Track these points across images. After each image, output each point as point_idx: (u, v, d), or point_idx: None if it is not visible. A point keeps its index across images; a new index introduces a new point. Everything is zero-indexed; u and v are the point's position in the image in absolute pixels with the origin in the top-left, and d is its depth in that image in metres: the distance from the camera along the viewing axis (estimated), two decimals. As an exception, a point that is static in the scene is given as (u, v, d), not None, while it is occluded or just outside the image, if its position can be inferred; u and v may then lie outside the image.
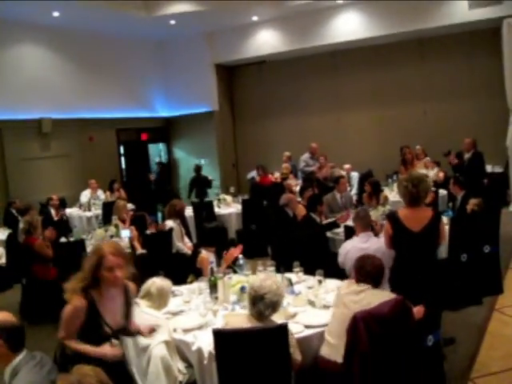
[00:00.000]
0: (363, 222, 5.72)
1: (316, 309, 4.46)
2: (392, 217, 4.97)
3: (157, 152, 17.95)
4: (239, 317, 3.91)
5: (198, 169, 14.40)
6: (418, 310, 3.90)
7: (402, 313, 3.68)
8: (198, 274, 5.66)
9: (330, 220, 7.94)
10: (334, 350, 3.84)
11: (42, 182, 13.48)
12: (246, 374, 3.63)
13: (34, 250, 7.42)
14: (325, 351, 3.93)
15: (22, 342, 3.26)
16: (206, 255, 5.55)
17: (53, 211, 11.26)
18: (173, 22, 14.63)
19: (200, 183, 14.06)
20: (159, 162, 16.94)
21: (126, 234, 8.01)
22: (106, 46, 15.43)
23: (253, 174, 13.55)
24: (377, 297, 3.85)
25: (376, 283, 4.04)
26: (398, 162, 12.28)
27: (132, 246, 7.50)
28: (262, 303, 3.67)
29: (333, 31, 14.52)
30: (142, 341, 3.89)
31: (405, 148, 12.12)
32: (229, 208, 10.89)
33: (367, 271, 4.04)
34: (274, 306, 3.73)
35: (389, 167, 12.76)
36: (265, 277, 3.86)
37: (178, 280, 5.39)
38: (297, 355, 3.69)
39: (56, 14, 12.81)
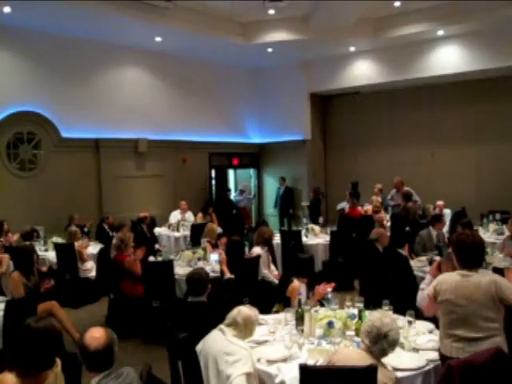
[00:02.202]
0: (452, 265, 5.43)
1: (405, 351, 4.27)
2: None
3: (247, 177, 18.11)
4: (355, 354, 3.74)
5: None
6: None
7: (498, 363, 3.47)
8: (283, 303, 5.58)
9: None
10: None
11: (134, 200, 13.88)
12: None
13: (123, 266, 7.59)
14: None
15: (107, 364, 3.27)
16: (298, 285, 5.45)
17: (145, 229, 11.52)
18: (270, 49, 14.81)
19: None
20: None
21: (214, 257, 8.04)
22: (204, 70, 15.82)
23: (343, 204, 13.38)
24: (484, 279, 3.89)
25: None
26: (493, 200, 11.80)
27: (220, 270, 7.54)
28: (385, 341, 3.57)
29: (431, 64, 14.25)
30: (225, 370, 3.84)
31: None
32: (316, 238, 10.77)
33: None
34: (396, 343, 3.66)
35: (484, 206, 12.29)
36: (382, 314, 3.78)
37: (263, 308, 5.33)
38: None
39: (159, 39, 13.27)
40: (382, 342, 3.57)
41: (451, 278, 4.13)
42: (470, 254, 4.15)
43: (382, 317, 3.69)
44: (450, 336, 4.03)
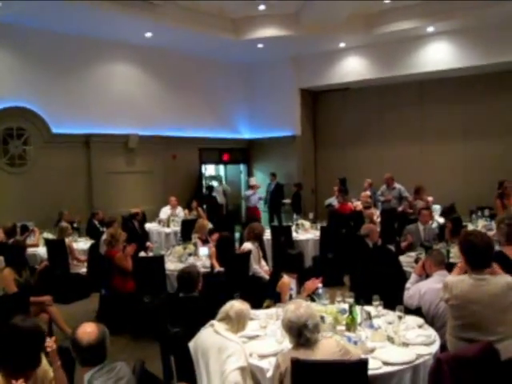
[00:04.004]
0: (436, 260, 5.44)
1: (395, 345, 4.32)
2: (500, 257, 4.77)
3: (237, 173, 18.12)
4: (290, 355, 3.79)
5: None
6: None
7: (488, 358, 3.52)
8: (273, 298, 5.61)
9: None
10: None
11: (125, 195, 13.88)
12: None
13: (114, 262, 7.59)
14: None
15: (99, 358, 3.31)
16: (288, 281, 5.49)
17: (137, 225, 11.53)
18: (260, 45, 14.83)
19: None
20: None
21: (204, 251, 8.09)
22: (194, 66, 15.82)
23: (331, 200, 13.42)
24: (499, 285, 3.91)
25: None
26: (482, 197, 11.87)
27: (211, 264, 7.59)
28: (307, 331, 3.61)
29: (421, 60, 14.36)
30: (219, 366, 3.88)
31: (506, 182, 11.33)
32: (306, 234, 10.81)
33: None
34: (318, 326, 3.69)
35: (473, 202, 12.38)
36: (294, 306, 3.77)
37: (253, 303, 5.36)
38: None
39: (149, 34, 13.25)
40: (304, 333, 3.61)
41: (463, 283, 4.12)
42: (479, 255, 4.13)
43: (295, 309, 3.69)
44: (461, 339, 4.07)
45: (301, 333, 3.63)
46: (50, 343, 3.53)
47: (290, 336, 3.74)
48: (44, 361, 3.51)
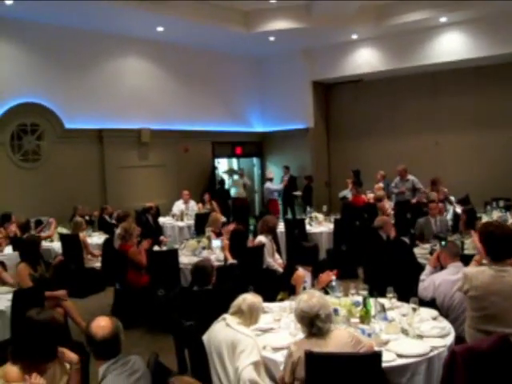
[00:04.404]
0: (451, 252, 5.42)
1: (409, 338, 4.30)
2: None
3: (250, 166, 18.11)
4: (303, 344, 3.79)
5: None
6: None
7: (503, 350, 3.49)
8: (288, 291, 5.61)
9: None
10: None
11: (138, 190, 13.93)
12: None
13: (128, 256, 7.61)
14: None
15: (113, 352, 3.33)
16: (302, 273, 5.49)
17: (151, 219, 11.57)
18: (272, 38, 14.78)
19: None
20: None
21: (217, 243, 8.11)
22: (206, 60, 15.82)
23: (345, 192, 13.37)
24: None
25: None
26: (497, 188, 11.76)
27: (224, 257, 7.61)
28: (319, 321, 3.63)
29: (434, 51, 14.25)
30: (232, 361, 3.89)
31: None
32: (320, 227, 10.79)
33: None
34: (330, 317, 3.72)
35: (487, 194, 12.28)
36: (307, 296, 3.79)
37: (267, 296, 5.36)
38: None
39: (160, 28, 13.26)
40: (316, 323, 3.63)
41: (484, 274, 4.09)
42: (500, 246, 4.09)
43: (308, 299, 3.72)
44: (480, 331, 4.05)
45: (313, 323, 3.65)
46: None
47: (302, 326, 3.77)
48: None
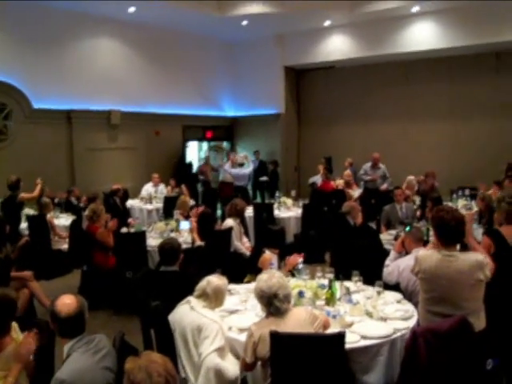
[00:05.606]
0: (415, 237, 5.50)
1: (373, 320, 4.37)
2: (495, 234, 4.82)
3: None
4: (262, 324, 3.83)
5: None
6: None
7: (462, 331, 3.58)
8: (255, 274, 5.64)
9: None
10: None
11: (107, 172, 13.79)
12: (298, 379, 3.61)
13: (95, 237, 7.57)
14: None
15: (78, 330, 3.34)
16: (269, 256, 5.52)
17: (118, 201, 11.50)
18: (245, 22, 14.72)
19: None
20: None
21: (185, 225, 8.12)
22: (178, 43, 15.69)
23: (315, 178, 13.43)
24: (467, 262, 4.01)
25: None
26: (465, 176, 11.90)
27: (192, 239, 7.64)
28: (277, 300, 3.71)
29: (406, 40, 14.33)
30: (196, 346, 3.98)
31: None
32: (288, 211, 10.83)
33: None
34: (288, 297, 3.81)
35: (454, 182, 12.46)
36: (267, 276, 3.87)
37: (235, 279, 5.40)
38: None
39: (132, 9, 13.09)
40: (274, 303, 3.72)
41: (431, 258, 4.18)
42: (450, 231, 4.16)
43: (267, 279, 3.81)
44: (429, 312, 4.14)
45: (271, 302, 3.72)
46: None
47: (261, 305, 3.85)
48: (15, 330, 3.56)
